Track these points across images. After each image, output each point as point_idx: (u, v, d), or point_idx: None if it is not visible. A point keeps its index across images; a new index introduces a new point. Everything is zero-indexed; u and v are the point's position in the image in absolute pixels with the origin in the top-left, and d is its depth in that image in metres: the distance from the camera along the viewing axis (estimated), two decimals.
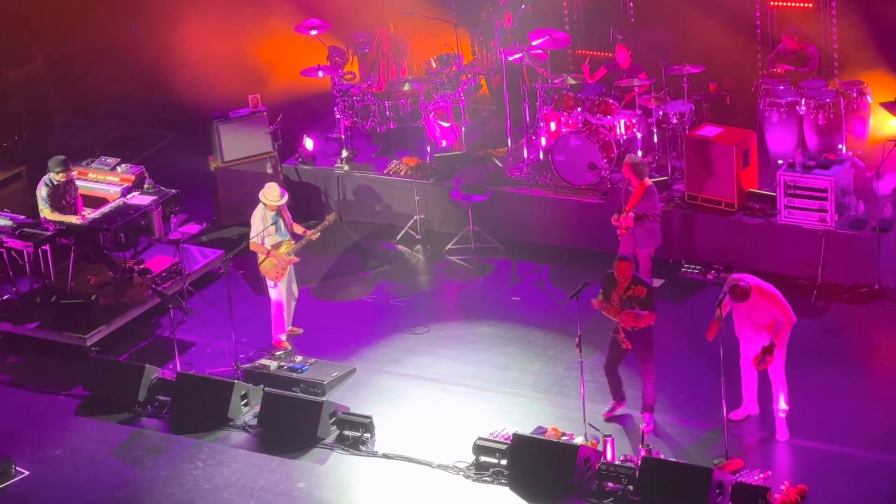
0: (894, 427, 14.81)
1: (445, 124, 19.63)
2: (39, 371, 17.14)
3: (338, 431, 15.43)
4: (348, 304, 18.12)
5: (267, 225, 16.73)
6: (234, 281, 17.84)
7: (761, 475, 14.16)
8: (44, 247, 17.56)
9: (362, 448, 15.24)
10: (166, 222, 18.75)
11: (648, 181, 16.84)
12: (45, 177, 17.86)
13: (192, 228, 19.75)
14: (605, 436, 14.63)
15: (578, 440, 14.78)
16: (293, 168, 20.17)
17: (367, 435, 15.31)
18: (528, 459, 14.55)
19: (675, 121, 18.55)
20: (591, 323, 15.13)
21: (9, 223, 17.80)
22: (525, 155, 19.50)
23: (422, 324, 17.45)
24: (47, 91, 22.47)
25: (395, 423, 15.57)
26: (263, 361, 16.64)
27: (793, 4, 19.48)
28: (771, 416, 14.90)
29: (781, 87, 18.50)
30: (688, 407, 15.46)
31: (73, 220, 17.76)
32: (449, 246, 18.95)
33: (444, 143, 19.69)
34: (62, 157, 17.95)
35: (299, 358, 16.64)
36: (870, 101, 18.39)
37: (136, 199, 18.35)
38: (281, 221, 16.82)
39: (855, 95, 18.31)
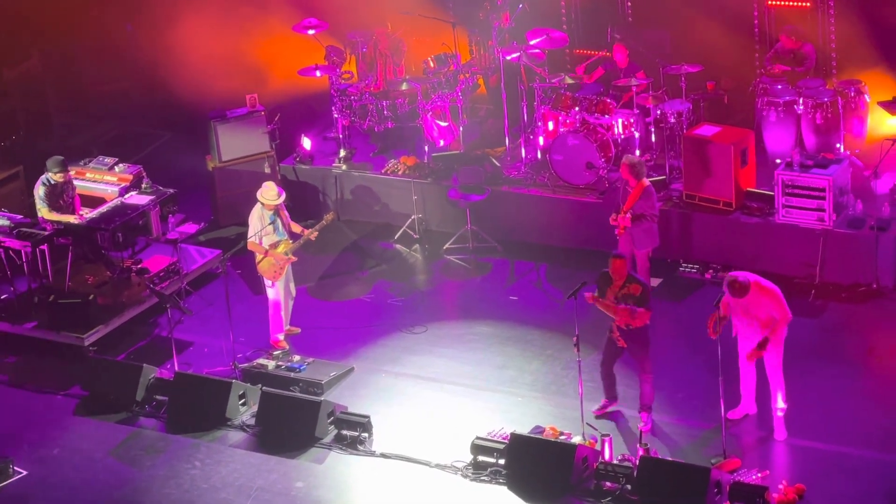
0: (892, 426, 14.80)
1: (443, 124, 19.62)
2: (37, 371, 17.12)
3: (336, 431, 15.42)
4: (346, 304, 18.11)
5: (265, 224, 16.72)
6: (232, 280, 17.81)
7: (759, 474, 14.15)
8: (41, 246, 17.54)
9: (360, 447, 15.23)
10: (164, 222, 18.73)
11: (646, 181, 16.84)
12: (43, 176, 17.86)
13: (190, 228, 19.75)
14: (602, 435, 14.62)
15: (576, 439, 14.77)
16: (291, 167, 20.17)
17: (365, 434, 15.30)
18: (525, 459, 14.53)
19: (672, 120, 18.53)
20: (589, 322, 15.12)
21: (6, 223, 17.78)
22: (523, 154, 19.48)
23: (420, 323, 17.44)
24: (45, 90, 22.43)
25: (393, 422, 15.56)
26: (261, 361, 16.62)
27: (791, 4, 19.47)
28: (769, 416, 14.89)
29: (779, 87, 18.50)
30: (686, 406, 15.45)
31: (70, 219, 17.76)
32: (447, 245, 18.95)
33: (441, 142, 19.68)
34: (60, 157, 17.95)
35: (297, 357, 16.62)
36: (868, 100, 18.38)
37: (134, 198, 18.34)
38: (279, 221, 16.81)
39: (853, 95, 18.30)
